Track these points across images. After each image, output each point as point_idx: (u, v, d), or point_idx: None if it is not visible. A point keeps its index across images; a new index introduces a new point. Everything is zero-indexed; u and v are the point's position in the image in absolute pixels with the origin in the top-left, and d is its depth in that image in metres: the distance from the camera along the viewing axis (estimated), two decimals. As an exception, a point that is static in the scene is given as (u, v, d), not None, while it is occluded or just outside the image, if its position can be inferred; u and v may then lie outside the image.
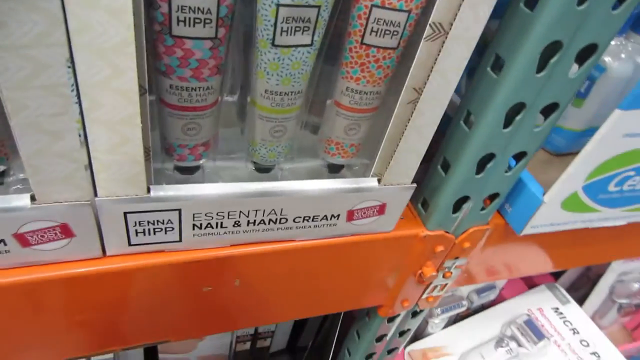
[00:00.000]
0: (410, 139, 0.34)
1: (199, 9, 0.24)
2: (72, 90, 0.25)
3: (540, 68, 0.33)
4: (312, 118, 0.37)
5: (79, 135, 0.27)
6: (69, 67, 0.24)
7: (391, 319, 0.57)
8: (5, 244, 0.30)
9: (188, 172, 0.34)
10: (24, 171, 0.29)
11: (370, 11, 0.28)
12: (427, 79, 0.31)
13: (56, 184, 0.28)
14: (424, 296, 0.53)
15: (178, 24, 0.25)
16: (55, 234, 0.31)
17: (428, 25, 0.29)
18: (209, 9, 0.25)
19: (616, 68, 0.51)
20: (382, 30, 0.28)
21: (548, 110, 0.37)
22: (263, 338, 0.74)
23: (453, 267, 0.50)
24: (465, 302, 0.75)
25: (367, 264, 0.45)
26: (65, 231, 0.31)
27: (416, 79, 0.32)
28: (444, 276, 0.50)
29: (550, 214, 0.44)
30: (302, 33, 0.27)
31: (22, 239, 0.30)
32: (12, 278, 0.32)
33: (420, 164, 0.37)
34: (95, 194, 0.30)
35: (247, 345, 0.74)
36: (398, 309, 0.54)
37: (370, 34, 0.29)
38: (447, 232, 0.44)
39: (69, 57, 0.24)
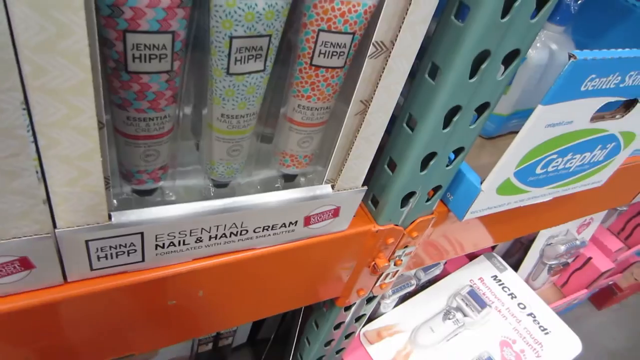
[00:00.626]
0: (360, 147, 0.36)
1: (154, 45, 0.25)
2: (28, 131, 0.25)
3: (472, 74, 0.36)
4: (264, 129, 0.38)
5: (37, 172, 0.27)
6: (24, 109, 0.24)
7: (348, 308, 0.60)
8: (-42, 283, 0.30)
9: (147, 194, 0.34)
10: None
11: (317, 35, 0.29)
12: (373, 93, 0.33)
13: (14, 220, 0.28)
14: (378, 284, 0.57)
15: (134, 61, 0.25)
16: (14, 267, 0.31)
17: (371, 45, 0.31)
18: (164, 45, 0.25)
19: (534, 56, 0.56)
20: (329, 52, 0.30)
21: (481, 109, 0.40)
22: (225, 337, 0.75)
23: (403, 255, 0.53)
24: (413, 281, 0.80)
25: (324, 261, 0.47)
26: (25, 264, 0.31)
27: (362, 93, 0.34)
28: (395, 264, 0.54)
29: (487, 200, 0.48)
30: (255, 60, 0.28)
31: (-20, 277, 0.30)
32: (-28, 315, 0.31)
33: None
34: (55, 226, 0.30)
35: (209, 346, 0.75)
36: (354, 298, 0.57)
37: (319, 56, 0.30)
38: (396, 225, 0.47)
39: (23, 100, 0.23)
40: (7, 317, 0.33)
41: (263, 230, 0.38)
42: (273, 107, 0.36)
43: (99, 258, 0.33)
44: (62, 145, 0.26)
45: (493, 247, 1.09)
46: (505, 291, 0.95)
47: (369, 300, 0.62)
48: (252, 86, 0.29)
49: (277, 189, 0.38)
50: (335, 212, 0.41)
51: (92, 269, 0.34)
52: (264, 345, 0.81)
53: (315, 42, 0.29)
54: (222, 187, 0.37)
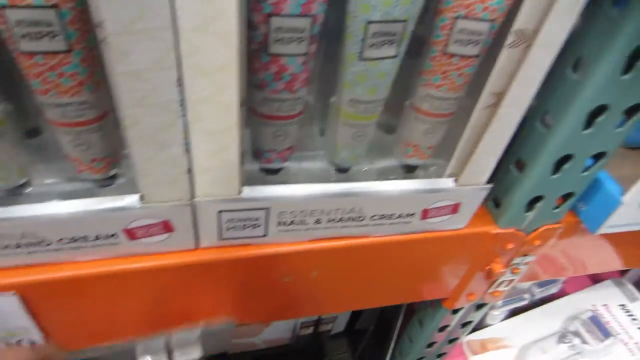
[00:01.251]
0: (488, 141, 0.35)
1: (294, 28, 0.26)
2: (180, 105, 0.27)
3: (626, 69, 0.32)
4: (388, 119, 0.38)
5: (184, 145, 0.29)
6: (178, 86, 0.26)
7: (455, 311, 0.58)
8: (116, 237, 0.34)
9: (273, 173, 0.36)
10: (132, 173, 0.32)
11: (454, 22, 0.28)
12: (508, 85, 0.32)
13: (162, 186, 0.31)
14: (490, 290, 0.54)
15: (275, 43, 0.27)
16: (158, 229, 0.34)
17: (511, 33, 0.29)
18: (303, 28, 0.26)
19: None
20: (465, 40, 0.29)
21: (632, 111, 0.36)
22: (325, 323, 0.77)
23: (522, 264, 0.50)
24: (526, 296, 0.75)
25: (437, 259, 0.46)
26: (166, 227, 0.34)
27: (496, 85, 0.32)
28: (512, 272, 0.51)
29: (628, 214, 0.44)
30: (389, 46, 0.28)
31: (130, 233, 0.34)
32: (120, 266, 0.36)
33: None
34: (193, 195, 0.33)
35: (310, 329, 0.77)
36: (463, 302, 0.55)
37: (454, 44, 0.29)
38: (518, 229, 0.45)
39: (177, 78, 0.26)
40: (146, 274, 0.37)
41: (380, 219, 0.38)
42: (397, 96, 0.36)
43: (227, 228, 0.36)
44: (207, 120, 0.28)
45: (623, 272, 0.98)
46: (635, 324, 0.85)
47: (479, 307, 0.60)
48: (383, 72, 0.30)
49: (396, 179, 0.38)
50: (455, 208, 0.40)
51: (220, 239, 0.37)
52: (361, 336, 0.81)
53: (451, 30, 0.29)
54: (343, 172, 0.38)
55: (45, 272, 0.35)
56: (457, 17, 0.28)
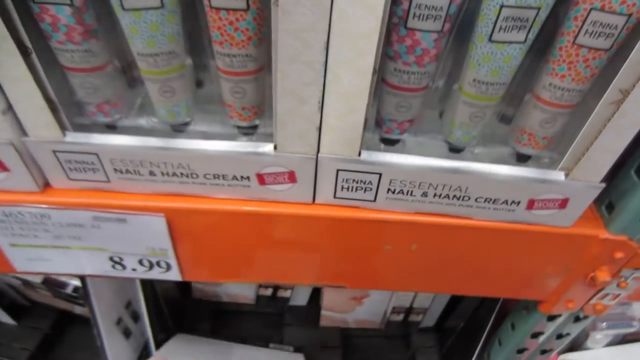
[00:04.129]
0: (608, 138, 0.35)
1: (433, 6, 0.29)
2: (323, 66, 0.32)
3: None
4: (506, 108, 0.40)
5: (318, 102, 0.34)
6: (325, 48, 0.31)
7: (551, 318, 0.57)
8: (249, 180, 0.40)
9: (390, 144, 0.40)
10: (270, 127, 0.37)
11: (588, 14, 0.30)
12: (637, 82, 0.32)
13: (294, 138, 0.36)
14: (592, 301, 0.52)
15: (413, 18, 0.30)
16: (284, 178, 0.40)
17: (647, 29, 0.30)
18: (441, 7, 0.29)
19: None
20: (597, 32, 0.30)
21: None
22: (416, 313, 0.79)
23: (631, 278, 0.48)
24: (636, 324, 0.70)
25: (537, 255, 0.46)
26: (291, 177, 0.39)
27: (624, 80, 0.32)
28: (618, 285, 0.49)
29: None
30: (518, 31, 0.30)
31: (261, 179, 0.39)
32: (249, 207, 0.41)
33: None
34: (318, 151, 0.37)
35: (401, 317, 0.79)
36: (561, 309, 0.54)
37: (584, 35, 0.31)
38: (630, 239, 0.44)
39: (326, 40, 0.31)
40: (268, 218, 0.42)
41: (484, 202, 0.40)
42: (519, 86, 0.37)
43: (342, 188, 0.40)
44: (342, 83, 0.33)
45: None
46: None
47: (577, 319, 0.58)
48: (508, 55, 0.32)
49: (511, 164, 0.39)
50: (563, 204, 0.40)
51: (335, 197, 0.41)
52: (450, 334, 0.81)
53: (584, 21, 0.30)
54: (456, 152, 0.40)
55: (189, 202, 0.42)
56: (592, 9, 0.29)
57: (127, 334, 0.78)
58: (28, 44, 0.33)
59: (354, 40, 0.30)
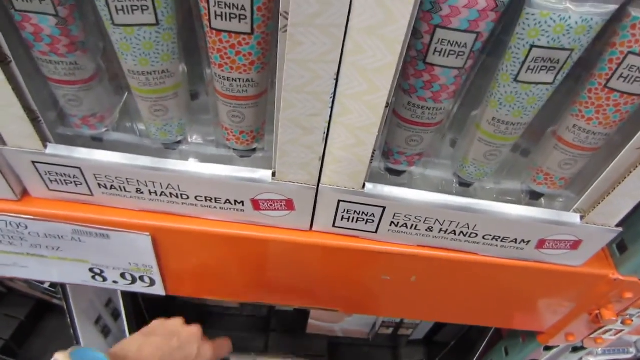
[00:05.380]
0: (631, 184, 0.33)
1: (457, 43, 0.26)
2: (331, 98, 0.29)
3: None
4: (523, 141, 0.37)
5: (323, 133, 0.31)
6: (335, 79, 0.28)
7: (548, 348, 0.55)
8: (243, 205, 0.37)
9: (397, 174, 0.37)
10: (269, 151, 0.34)
11: (625, 57, 0.27)
12: (671, 131, 0.30)
13: (294, 167, 0.34)
14: (593, 335, 0.51)
15: (434, 54, 0.27)
16: (281, 205, 0.37)
17: (687, 77, 0.27)
18: (465, 43, 0.27)
19: None
20: (632, 76, 0.28)
21: None
22: (406, 327, 0.77)
23: (636, 316, 0.47)
24: (632, 350, 0.69)
25: (543, 291, 0.44)
26: (289, 205, 0.37)
27: (655, 127, 0.30)
28: (623, 322, 0.47)
29: None
30: (547, 72, 0.28)
31: (256, 204, 0.37)
32: (241, 231, 0.39)
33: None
34: (319, 181, 0.35)
35: (390, 330, 0.78)
36: (559, 341, 0.52)
37: (618, 79, 0.28)
38: (641, 280, 0.42)
39: (336, 71, 0.28)
40: (261, 243, 0.40)
41: (492, 239, 0.38)
42: (539, 119, 0.35)
43: (342, 218, 0.37)
44: (351, 115, 0.30)
45: None
46: None
47: (575, 349, 0.56)
48: (534, 97, 0.29)
49: (515, 203, 0.37)
50: (575, 245, 0.38)
51: (333, 226, 0.38)
52: (439, 349, 0.80)
53: (619, 64, 0.27)
54: (465, 187, 0.38)
55: (176, 222, 0.39)
56: (629, 52, 0.27)
57: (105, 332, 0.75)
58: (7, 52, 0.30)
59: (366, 75, 0.27)
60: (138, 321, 0.73)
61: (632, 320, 0.47)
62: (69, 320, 0.66)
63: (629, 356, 0.69)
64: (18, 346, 0.79)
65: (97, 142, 0.37)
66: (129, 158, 0.35)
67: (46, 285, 0.75)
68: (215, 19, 0.26)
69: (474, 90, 0.33)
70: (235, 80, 0.30)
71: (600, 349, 0.68)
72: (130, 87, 0.32)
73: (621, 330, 0.49)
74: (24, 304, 0.82)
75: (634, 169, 0.32)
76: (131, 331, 0.70)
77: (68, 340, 0.69)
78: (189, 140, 0.37)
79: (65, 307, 0.66)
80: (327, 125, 0.31)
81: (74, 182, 0.37)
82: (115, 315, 0.77)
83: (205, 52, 0.30)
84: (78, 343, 0.68)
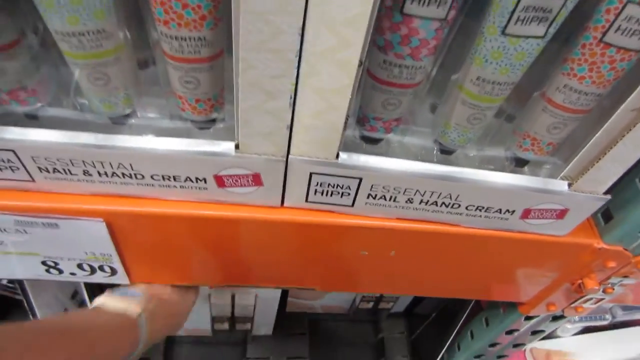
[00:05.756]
0: (623, 149, 0.31)
1: (438, -12, 0.23)
2: (296, 56, 0.26)
3: None
4: (507, 104, 0.35)
5: (290, 98, 0.28)
6: (299, 34, 0.24)
7: (529, 318, 0.54)
8: (205, 182, 0.33)
9: (373, 142, 0.34)
10: (231, 121, 0.31)
11: (623, 7, 0.24)
12: (667, 88, 0.27)
13: (259, 138, 0.30)
14: (574, 305, 0.50)
15: (412, 2, 0.24)
16: (248, 181, 0.33)
17: (688, 27, 0.25)
18: (447, -11, 0.23)
19: None
20: (630, 29, 0.25)
21: None
22: (386, 301, 0.75)
23: (618, 285, 0.46)
24: (608, 316, 0.69)
25: (526, 262, 0.43)
26: (256, 180, 0.33)
27: (651, 85, 0.28)
28: (604, 291, 0.46)
29: None
30: (538, 24, 0.25)
31: (220, 181, 0.33)
32: (205, 211, 0.35)
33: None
34: (288, 152, 0.31)
35: (370, 305, 0.76)
36: (541, 311, 0.51)
37: (615, 32, 0.25)
38: (625, 249, 0.40)
39: (301, 25, 0.24)
40: (226, 223, 0.37)
41: (476, 210, 0.36)
42: (525, 81, 0.32)
43: (315, 192, 0.34)
44: (319, 77, 0.26)
45: None
46: None
47: (555, 318, 0.56)
48: (523, 52, 0.26)
49: (500, 170, 0.35)
50: (561, 214, 0.36)
51: (306, 201, 0.35)
52: (420, 321, 0.79)
53: (617, 15, 0.25)
54: (447, 154, 0.35)
55: (133, 205, 0.35)
56: (628, 2, 0.24)
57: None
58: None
59: (336, 27, 0.24)
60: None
61: (614, 289, 0.46)
62: (31, 316, 0.62)
63: (605, 322, 0.69)
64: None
65: (31, 120, 0.33)
66: (70, 136, 0.30)
67: (4, 282, 0.70)
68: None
69: (455, 49, 0.30)
70: (185, 40, 0.26)
71: (577, 317, 0.68)
72: (62, 52, 0.27)
73: (602, 299, 0.48)
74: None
75: (627, 132, 0.30)
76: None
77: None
78: (139, 114, 0.33)
79: (25, 304, 0.62)
80: (293, 88, 0.27)
81: (10, 167, 0.32)
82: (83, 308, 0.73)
83: (148, 8, 0.26)
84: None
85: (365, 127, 0.33)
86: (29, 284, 0.58)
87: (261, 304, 0.68)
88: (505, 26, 0.25)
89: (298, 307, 0.77)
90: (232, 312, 0.69)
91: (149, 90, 0.34)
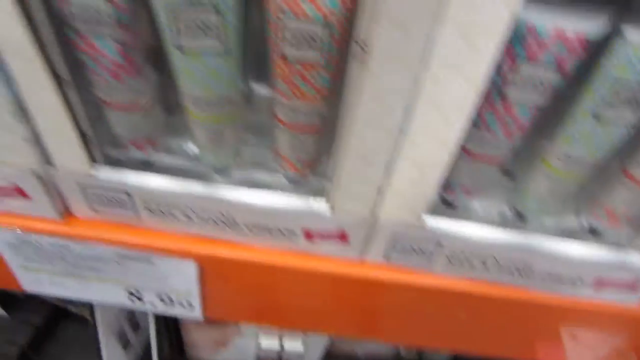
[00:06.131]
0: None
1: (540, 79, 0.25)
2: (401, 132, 0.28)
3: None
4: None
5: (386, 167, 0.30)
6: (408, 114, 0.27)
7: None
8: (294, 234, 0.36)
9: (452, 208, 0.36)
10: (323, 180, 0.33)
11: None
12: None
13: (351, 199, 0.33)
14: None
15: (513, 88, 0.26)
16: (334, 236, 0.36)
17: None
18: (548, 81, 0.25)
19: None
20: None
21: None
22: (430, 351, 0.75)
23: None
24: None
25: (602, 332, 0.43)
26: (342, 237, 0.36)
27: None
28: (672, 363, 0.46)
29: None
30: (630, 109, 0.27)
31: (308, 234, 0.36)
32: (290, 262, 0.38)
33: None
34: (377, 214, 0.34)
35: (413, 353, 0.76)
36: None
37: None
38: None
39: (410, 105, 0.27)
40: (312, 275, 0.39)
41: (548, 279, 0.37)
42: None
43: (396, 251, 0.36)
44: (419, 150, 0.29)
45: None
46: None
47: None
48: (612, 137, 0.28)
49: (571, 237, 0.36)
50: (635, 286, 0.37)
51: (386, 259, 0.37)
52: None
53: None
54: (521, 221, 0.37)
55: (226, 249, 0.38)
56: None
57: (125, 344, 0.74)
58: (63, 74, 0.29)
59: (441, 110, 0.26)
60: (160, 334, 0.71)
61: (683, 361, 0.45)
62: (93, 332, 0.65)
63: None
64: (34, 352, 0.77)
65: (146, 167, 0.37)
66: (180, 185, 0.34)
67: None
68: (290, 46, 0.25)
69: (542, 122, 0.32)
70: (301, 111, 0.29)
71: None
72: (188, 114, 0.31)
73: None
74: (41, 310, 0.80)
75: None
76: (160, 344, 0.69)
77: (84, 348, 0.67)
78: (239, 166, 0.36)
79: (91, 319, 0.65)
80: (391, 158, 0.30)
81: (121, 205, 0.36)
82: (135, 327, 0.76)
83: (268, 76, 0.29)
84: (99, 354, 0.67)
85: (447, 191, 0.35)
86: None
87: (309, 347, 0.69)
88: (597, 112, 0.27)
89: (340, 351, 0.78)
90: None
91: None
